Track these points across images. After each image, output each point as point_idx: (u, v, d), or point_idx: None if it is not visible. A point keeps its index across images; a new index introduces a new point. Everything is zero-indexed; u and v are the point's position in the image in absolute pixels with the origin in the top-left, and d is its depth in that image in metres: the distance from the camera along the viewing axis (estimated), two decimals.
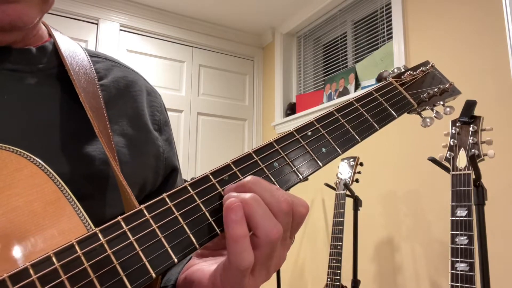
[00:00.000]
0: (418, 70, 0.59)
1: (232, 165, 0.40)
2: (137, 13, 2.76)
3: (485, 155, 1.07)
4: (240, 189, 0.36)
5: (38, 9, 0.48)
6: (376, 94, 0.52)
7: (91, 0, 2.61)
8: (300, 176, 0.42)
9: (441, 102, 0.56)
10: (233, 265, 0.33)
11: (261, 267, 0.35)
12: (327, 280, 1.66)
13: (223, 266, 0.34)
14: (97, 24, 2.64)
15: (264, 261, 0.34)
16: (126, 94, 0.57)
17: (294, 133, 0.45)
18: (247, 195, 0.34)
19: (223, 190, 0.39)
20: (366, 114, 0.49)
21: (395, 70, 0.58)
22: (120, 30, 2.71)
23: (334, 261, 1.66)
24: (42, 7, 0.49)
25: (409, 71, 0.58)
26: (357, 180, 1.75)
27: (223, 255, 0.38)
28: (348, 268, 1.75)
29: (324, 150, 0.45)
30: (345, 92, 2.45)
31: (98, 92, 0.52)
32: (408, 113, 0.55)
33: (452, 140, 1.13)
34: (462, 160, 1.09)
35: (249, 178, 0.36)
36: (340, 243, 1.66)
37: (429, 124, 0.55)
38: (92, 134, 0.48)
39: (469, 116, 1.11)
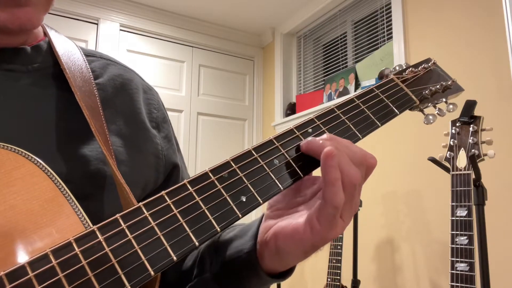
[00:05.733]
0: (420, 67, 0.58)
1: (231, 162, 0.40)
2: (137, 13, 2.76)
3: (485, 155, 1.06)
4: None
5: (44, 10, 0.49)
6: (377, 91, 0.51)
7: (91, 0, 2.60)
8: (301, 174, 0.42)
9: (444, 99, 0.55)
10: (329, 204, 0.38)
11: (346, 210, 0.40)
12: (327, 280, 1.66)
13: (319, 209, 0.39)
14: (97, 24, 2.63)
15: (348, 204, 0.40)
16: (122, 92, 0.57)
17: (295, 130, 0.44)
18: (338, 145, 0.40)
19: (223, 187, 0.38)
20: (367, 111, 0.48)
21: (397, 68, 0.57)
22: (120, 30, 2.71)
23: (334, 261, 1.66)
24: (47, 8, 0.50)
25: (410, 68, 0.57)
26: None
27: (297, 212, 0.43)
28: (348, 268, 1.75)
29: None
30: (345, 92, 2.45)
31: (94, 91, 0.52)
32: (410, 110, 0.54)
33: (452, 140, 1.13)
34: (462, 160, 1.09)
35: (326, 135, 0.42)
36: (340, 243, 1.66)
37: (431, 121, 0.54)
38: (89, 133, 0.48)
39: (469, 116, 1.11)
